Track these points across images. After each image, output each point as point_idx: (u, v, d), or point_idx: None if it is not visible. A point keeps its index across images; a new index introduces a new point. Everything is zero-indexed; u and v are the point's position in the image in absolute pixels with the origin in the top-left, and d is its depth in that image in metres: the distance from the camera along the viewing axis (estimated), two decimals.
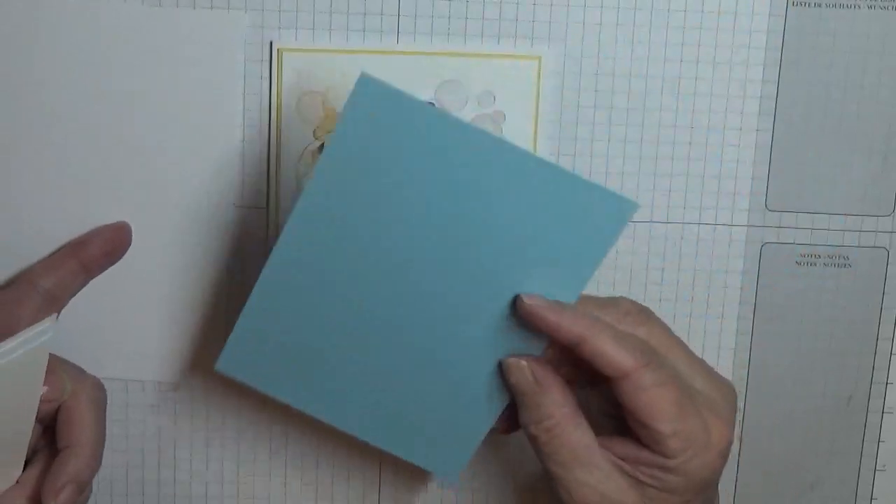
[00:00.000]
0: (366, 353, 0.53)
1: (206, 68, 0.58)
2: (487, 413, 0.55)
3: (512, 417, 0.55)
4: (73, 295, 0.59)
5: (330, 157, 0.49)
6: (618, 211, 0.50)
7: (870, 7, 0.59)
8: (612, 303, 0.53)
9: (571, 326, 0.50)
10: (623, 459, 0.52)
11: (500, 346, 0.53)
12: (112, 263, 0.60)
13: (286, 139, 0.59)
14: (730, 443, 0.52)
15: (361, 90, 0.47)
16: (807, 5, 0.59)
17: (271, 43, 0.59)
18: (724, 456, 0.52)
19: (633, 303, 0.54)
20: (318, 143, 0.59)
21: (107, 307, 0.60)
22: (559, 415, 0.52)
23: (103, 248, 0.59)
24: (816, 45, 0.59)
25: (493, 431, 0.56)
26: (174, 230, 0.60)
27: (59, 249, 0.59)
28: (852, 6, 0.59)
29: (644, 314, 0.54)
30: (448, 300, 0.52)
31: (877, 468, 0.64)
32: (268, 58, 0.59)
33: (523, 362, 0.52)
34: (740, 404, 0.63)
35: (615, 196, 0.49)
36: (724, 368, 0.62)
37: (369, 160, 0.49)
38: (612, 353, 0.50)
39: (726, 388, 0.54)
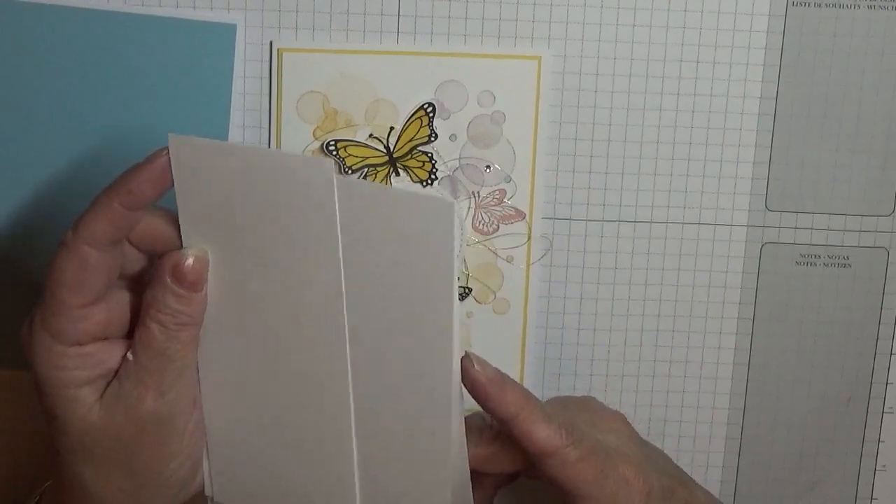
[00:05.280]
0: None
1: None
2: None
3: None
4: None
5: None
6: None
7: (870, 7, 0.59)
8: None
9: (509, 404, 0.51)
10: None
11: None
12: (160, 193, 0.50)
13: (286, 139, 0.59)
14: (647, 484, 0.52)
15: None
16: (807, 5, 0.59)
17: (271, 43, 0.59)
18: (650, 494, 0.53)
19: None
20: (318, 143, 0.59)
21: None
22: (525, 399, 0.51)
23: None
24: (816, 45, 0.59)
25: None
26: None
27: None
28: (852, 6, 0.59)
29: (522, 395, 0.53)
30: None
31: (877, 468, 0.64)
32: (268, 58, 0.59)
33: (468, 362, 0.50)
34: (740, 404, 0.63)
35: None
36: (724, 368, 0.62)
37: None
38: (540, 433, 0.51)
39: (617, 422, 0.56)
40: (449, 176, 0.60)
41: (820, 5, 0.59)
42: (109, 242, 0.48)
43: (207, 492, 0.53)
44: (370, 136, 0.59)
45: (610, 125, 0.60)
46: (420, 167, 0.60)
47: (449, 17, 0.59)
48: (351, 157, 0.59)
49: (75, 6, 0.58)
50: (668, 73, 0.59)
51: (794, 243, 0.61)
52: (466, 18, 0.59)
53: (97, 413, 0.49)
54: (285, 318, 0.49)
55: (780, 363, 0.63)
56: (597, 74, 0.59)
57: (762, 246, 0.61)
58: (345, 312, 0.49)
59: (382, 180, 0.60)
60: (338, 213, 0.47)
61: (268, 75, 0.59)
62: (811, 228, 0.61)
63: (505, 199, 0.60)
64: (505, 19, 0.59)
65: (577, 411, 0.56)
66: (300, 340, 0.50)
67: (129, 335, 0.50)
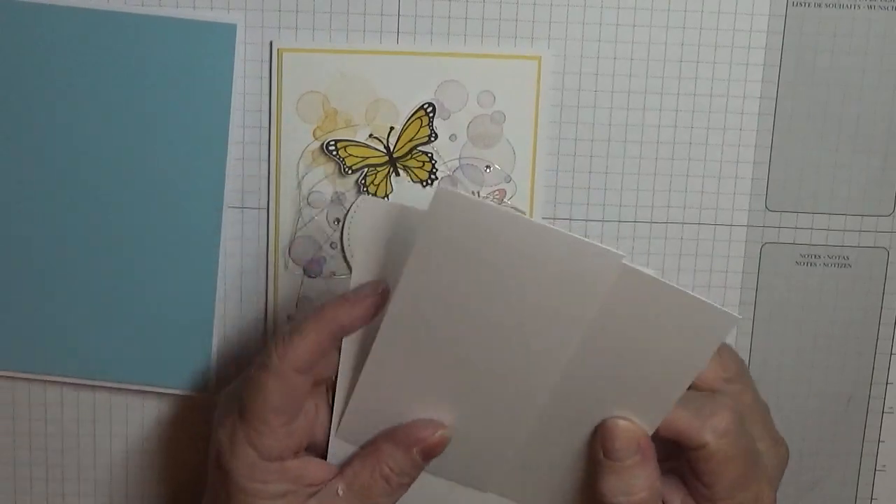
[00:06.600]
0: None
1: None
2: None
3: None
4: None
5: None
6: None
7: (870, 7, 0.59)
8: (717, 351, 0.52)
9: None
10: None
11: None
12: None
13: (286, 139, 0.59)
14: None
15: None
16: (807, 5, 0.59)
17: (271, 43, 0.59)
18: None
19: (733, 356, 0.54)
20: (317, 143, 0.59)
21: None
22: (647, 492, 0.51)
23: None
24: (816, 45, 0.59)
25: None
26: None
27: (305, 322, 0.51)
28: (852, 6, 0.59)
29: (741, 371, 0.54)
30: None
31: (877, 468, 0.64)
32: (268, 58, 0.59)
33: (636, 430, 0.51)
34: None
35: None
36: None
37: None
38: (687, 428, 0.50)
39: (783, 451, 0.55)
40: (449, 176, 0.60)
41: (820, 5, 0.59)
42: (312, 367, 0.51)
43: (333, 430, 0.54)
44: (370, 136, 0.59)
45: (610, 125, 0.60)
46: (420, 167, 0.60)
47: (449, 17, 0.59)
48: (351, 157, 0.59)
49: (75, 6, 0.58)
50: (668, 73, 0.59)
51: (794, 243, 0.61)
52: (466, 18, 0.59)
53: None
54: (489, 357, 0.50)
55: (780, 363, 0.63)
56: (597, 74, 0.59)
57: (762, 246, 0.61)
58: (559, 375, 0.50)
59: (382, 180, 0.60)
60: (606, 294, 0.47)
61: (268, 75, 0.59)
62: (811, 228, 0.61)
63: (505, 199, 0.60)
64: (505, 19, 0.59)
65: (765, 419, 0.55)
66: (500, 382, 0.51)
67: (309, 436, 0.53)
